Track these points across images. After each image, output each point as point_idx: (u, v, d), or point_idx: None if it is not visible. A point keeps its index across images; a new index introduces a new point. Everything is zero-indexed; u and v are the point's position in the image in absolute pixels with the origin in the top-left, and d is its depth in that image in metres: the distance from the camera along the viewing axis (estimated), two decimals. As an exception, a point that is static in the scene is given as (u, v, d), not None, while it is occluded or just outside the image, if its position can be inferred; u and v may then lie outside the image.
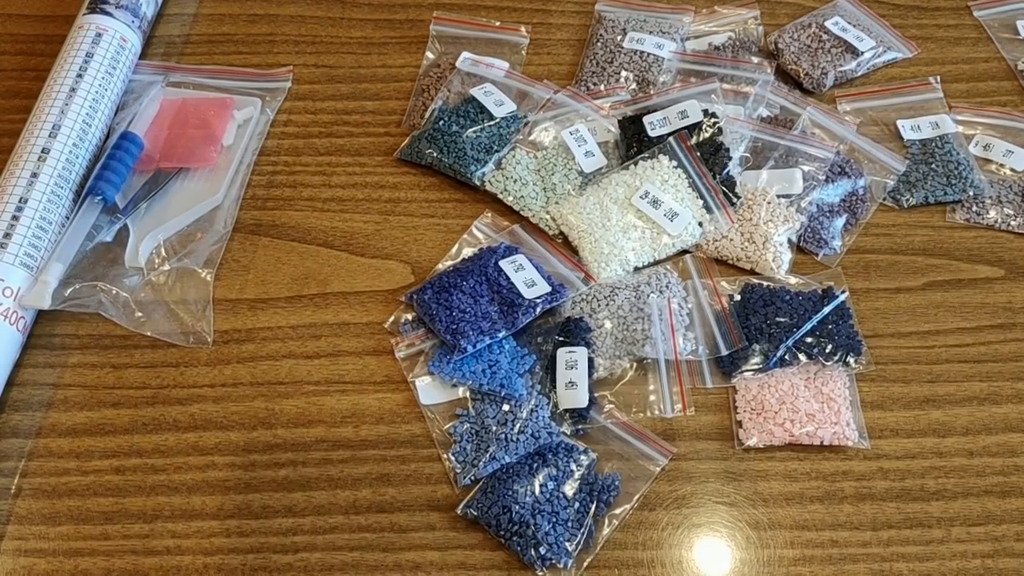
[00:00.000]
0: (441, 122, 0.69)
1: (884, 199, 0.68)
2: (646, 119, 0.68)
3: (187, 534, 0.54)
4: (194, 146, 0.68)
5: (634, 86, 0.73)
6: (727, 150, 0.67)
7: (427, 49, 0.77)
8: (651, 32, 0.75)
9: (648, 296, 0.61)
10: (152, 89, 0.71)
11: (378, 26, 0.79)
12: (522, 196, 0.66)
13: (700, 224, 0.65)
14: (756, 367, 0.59)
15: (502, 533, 0.53)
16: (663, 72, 0.73)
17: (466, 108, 0.70)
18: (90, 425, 0.58)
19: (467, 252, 0.65)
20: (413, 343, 0.60)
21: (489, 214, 0.67)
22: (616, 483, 0.55)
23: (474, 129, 0.69)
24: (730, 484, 0.56)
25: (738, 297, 0.62)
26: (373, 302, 0.63)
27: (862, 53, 0.74)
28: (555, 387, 0.58)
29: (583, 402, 0.57)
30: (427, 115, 0.71)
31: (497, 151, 0.68)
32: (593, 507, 0.54)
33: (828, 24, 0.76)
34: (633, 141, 0.68)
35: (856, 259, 0.65)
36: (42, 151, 0.63)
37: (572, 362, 0.58)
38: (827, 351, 0.59)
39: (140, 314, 0.62)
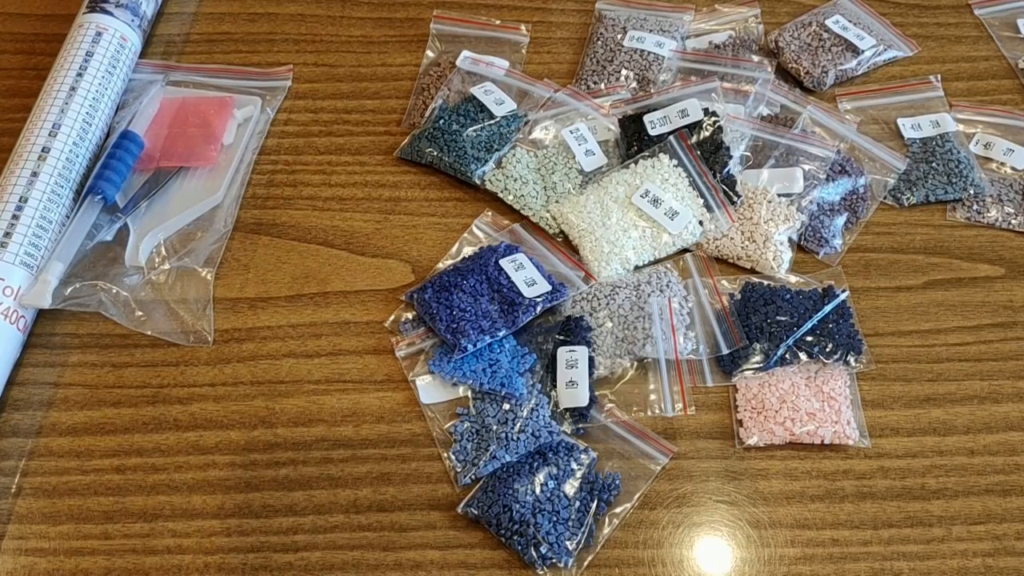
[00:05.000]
0: (441, 121, 0.69)
1: (885, 198, 0.68)
2: (646, 118, 0.68)
3: (188, 533, 0.54)
4: (194, 145, 0.68)
5: (634, 85, 0.73)
6: (727, 149, 0.67)
7: (427, 48, 0.77)
8: (651, 31, 0.75)
9: (648, 295, 0.61)
10: (152, 88, 0.71)
11: (378, 25, 0.79)
12: (522, 195, 0.66)
13: (700, 223, 0.65)
14: (756, 366, 0.59)
15: (503, 532, 0.53)
16: (663, 71, 0.73)
17: (466, 107, 0.70)
18: (90, 424, 0.58)
19: (467, 251, 0.65)
20: (413, 342, 0.60)
21: (489, 213, 0.67)
22: (616, 482, 0.55)
23: (474, 128, 0.69)
24: (731, 483, 0.56)
25: (738, 296, 0.62)
26: (373, 301, 0.63)
27: (863, 51, 0.74)
28: (555, 386, 0.58)
29: (583, 401, 0.56)
30: (427, 114, 0.71)
31: (497, 150, 0.68)
32: (594, 506, 0.54)
33: (828, 22, 0.76)
34: (633, 140, 0.68)
35: (856, 258, 0.65)
36: (42, 150, 0.63)
37: (572, 361, 0.58)
38: (828, 350, 0.59)
39: (140, 313, 0.62)
